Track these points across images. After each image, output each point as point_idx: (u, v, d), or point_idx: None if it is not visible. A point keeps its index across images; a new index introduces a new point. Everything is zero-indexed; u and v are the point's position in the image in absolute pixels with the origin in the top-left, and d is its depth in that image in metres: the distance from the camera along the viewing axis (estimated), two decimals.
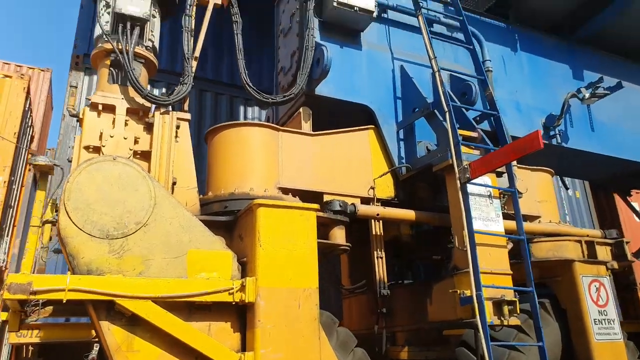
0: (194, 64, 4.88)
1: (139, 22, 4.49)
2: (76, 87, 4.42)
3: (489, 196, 4.80)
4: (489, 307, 4.33)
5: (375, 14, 5.54)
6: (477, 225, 4.59)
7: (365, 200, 5.17)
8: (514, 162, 5.88)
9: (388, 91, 5.75)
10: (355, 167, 5.25)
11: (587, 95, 6.75)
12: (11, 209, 7.62)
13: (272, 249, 3.87)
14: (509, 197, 5.83)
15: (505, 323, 4.36)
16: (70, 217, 3.57)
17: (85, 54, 7.36)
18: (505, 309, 4.32)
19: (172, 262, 3.80)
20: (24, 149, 8.02)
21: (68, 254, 3.55)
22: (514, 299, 4.35)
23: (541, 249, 5.78)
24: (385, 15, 6.10)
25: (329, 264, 6.22)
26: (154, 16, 4.77)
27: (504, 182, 5.74)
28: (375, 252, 5.08)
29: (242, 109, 7.75)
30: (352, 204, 4.82)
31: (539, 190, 6.35)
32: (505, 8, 7.48)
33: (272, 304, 3.74)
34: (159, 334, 3.54)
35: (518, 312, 4.38)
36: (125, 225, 3.72)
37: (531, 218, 6.15)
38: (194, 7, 5.03)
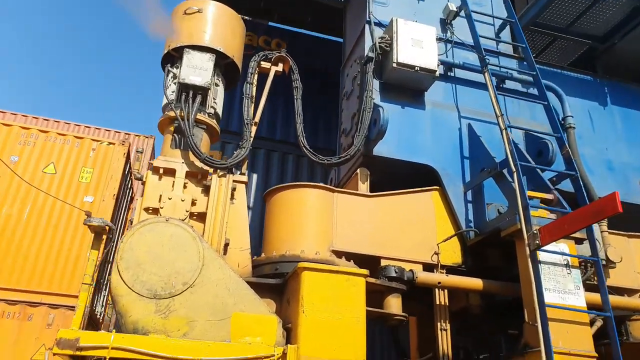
0: (254, 129, 5.05)
1: (201, 91, 4.78)
2: (142, 152, 4.74)
3: (567, 265, 4.26)
4: None
5: (438, 73, 5.42)
6: (550, 298, 4.07)
7: (429, 267, 4.84)
8: (602, 227, 5.27)
9: (454, 151, 5.49)
10: (417, 231, 4.98)
11: None
12: (109, 265, 8.20)
13: (316, 316, 3.71)
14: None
15: None
16: (121, 276, 3.71)
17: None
18: None
19: (216, 324, 3.76)
20: (123, 209, 8.72)
21: (117, 312, 3.66)
22: None
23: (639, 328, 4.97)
24: (452, 74, 5.96)
25: (394, 333, 5.84)
26: (216, 84, 5.07)
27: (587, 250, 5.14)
28: (439, 324, 4.67)
29: (307, 169, 7.84)
30: (411, 270, 4.53)
31: None
32: (592, 60, 7.02)
33: None
34: None
35: None
36: (172, 286, 3.78)
37: (630, 292, 5.35)
38: (256, 75, 5.28)
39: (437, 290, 4.81)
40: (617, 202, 3.37)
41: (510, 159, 4.58)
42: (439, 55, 5.81)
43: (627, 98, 6.59)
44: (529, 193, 4.64)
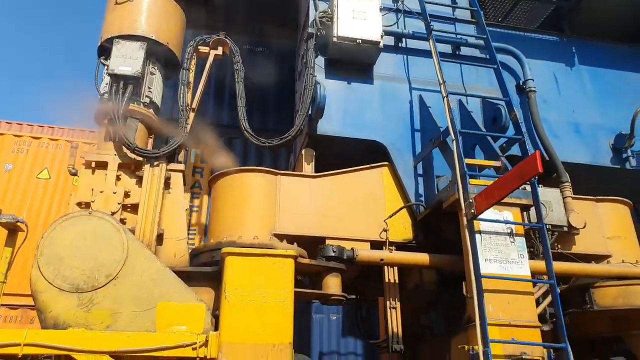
0: (191, 115, 4.95)
1: (132, 81, 4.69)
2: (76, 147, 4.69)
3: (510, 234, 4.06)
4: None
5: (382, 45, 5.21)
6: (491, 268, 3.88)
7: (377, 245, 4.69)
8: (565, 193, 5.03)
9: (405, 125, 5.29)
10: (365, 209, 4.82)
11: None
12: None
13: (239, 301, 3.62)
14: (562, 235, 4.95)
15: None
16: (41, 272, 3.67)
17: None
18: None
19: (141, 315, 3.71)
20: None
21: (37, 309, 3.63)
22: (536, 357, 3.52)
23: (606, 296, 4.72)
24: (403, 45, 5.73)
25: (357, 315, 5.72)
26: (152, 73, 4.97)
27: (555, 215, 4.92)
28: (387, 302, 4.52)
29: (254, 154, 7.66)
30: (352, 248, 4.38)
31: (610, 224, 5.28)
32: (560, 20, 6.69)
33: None
34: None
35: None
36: (95, 279, 3.74)
37: (597, 258, 5.10)
38: (193, 60, 5.16)
39: (386, 268, 4.65)
40: (537, 162, 3.17)
41: (450, 127, 4.38)
42: (387, 26, 5.61)
43: (597, 56, 6.25)
44: (471, 161, 4.45)
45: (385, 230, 4.74)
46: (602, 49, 6.32)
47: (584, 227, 4.98)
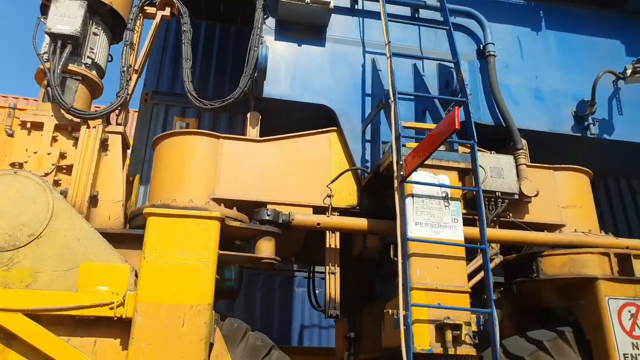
0: (134, 78, 4.84)
1: (71, 40, 4.57)
2: (14, 108, 4.61)
3: (445, 198, 3.95)
4: (426, 331, 3.49)
5: (332, 5, 5.03)
6: (422, 232, 3.80)
7: (321, 210, 4.60)
8: (519, 160, 4.91)
9: (356, 89, 5.16)
10: (311, 174, 4.72)
11: (629, 71, 5.39)
12: None
13: (158, 262, 3.56)
14: (514, 203, 4.84)
15: (451, 352, 3.46)
16: None
17: (154, 91, 7.37)
18: (449, 334, 3.43)
19: (62, 274, 3.66)
20: None
21: None
22: (459, 322, 3.44)
23: (553, 265, 4.63)
24: (359, 7, 5.55)
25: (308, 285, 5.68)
26: (95, 34, 4.85)
27: (506, 183, 4.80)
28: (327, 267, 4.46)
29: (209, 120, 7.53)
30: (289, 212, 4.30)
31: (566, 194, 5.15)
32: None
33: (149, 320, 3.41)
34: (33, 349, 3.40)
35: (465, 338, 3.45)
36: (17, 238, 3.69)
37: (551, 227, 4.99)
38: (138, 21, 5.03)
39: (327, 233, 4.58)
40: (455, 119, 3.04)
41: (390, 89, 4.24)
42: None
43: (564, 21, 6.03)
44: (410, 124, 4.33)
45: (330, 196, 4.65)
46: (569, 13, 6.08)
47: (537, 195, 4.86)
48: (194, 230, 3.67)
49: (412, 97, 4.87)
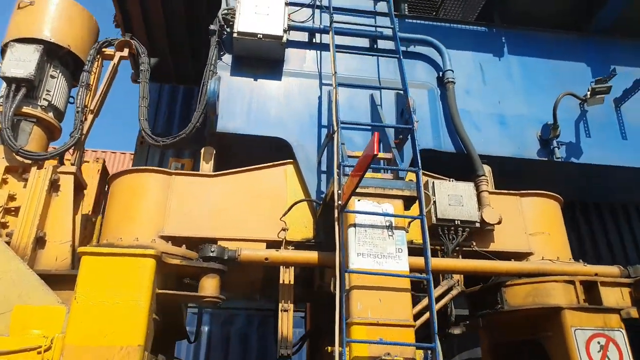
0: (90, 118, 4.88)
1: (25, 83, 4.65)
2: None
3: (389, 227, 3.82)
4: None
5: (285, 39, 5.07)
6: (364, 263, 3.65)
7: (276, 244, 4.49)
8: (481, 187, 4.79)
9: (312, 121, 5.12)
10: (266, 208, 4.64)
11: (589, 93, 5.29)
12: None
13: (88, 302, 3.47)
14: (478, 232, 4.69)
15: None
16: None
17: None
18: None
19: None
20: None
21: None
22: (399, 358, 3.26)
23: (516, 295, 4.42)
24: (316, 40, 5.59)
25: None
26: (53, 77, 4.93)
27: (465, 211, 4.67)
28: (280, 304, 4.31)
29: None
30: (238, 248, 4.20)
31: (534, 220, 4.98)
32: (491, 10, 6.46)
33: None
34: None
35: None
36: None
37: (518, 256, 4.80)
38: (96, 62, 5.11)
39: (282, 268, 4.45)
40: (373, 145, 2.96)
41: (334, 118, 4.20)
42: (300, 21, 5.49)
43: (526, 45, 5.99)
44: (355, 153, 4.26)
45: (284, 230, 4.54)
46: (532, 37, 6.05)
47: (499, 222, 4.70)
48: (127, 268, 3.58)
49: (366, 127, 4.81)
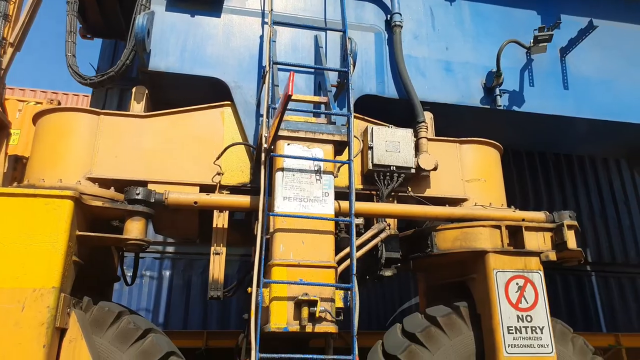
0: (10, 51, 4.58)
1: None
2: None
3: (317, 172, 3.80)
4: (284, 309, 3.36)
5: None
6: (290, 206, 3.65)
7: (210, 189, 4.43)
8: (420, 134, 4.78)
9: (252, 61, 4.94)
10: (201, 152, 4.53)
11: (532, 41, 5.25)
12: None
13: (1, 245, 3.36)
14: (414, 177, 4.71)
15: (309, 330, 3.34)
16: None
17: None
18: (304, 311, 3.31)
19: None
20: None
21: None
22: (314, 298, 3.32)
23: (446, 239, 4.53)
24: None
25: None
26: None
27: (401, 157, 4.67)
28: (213, 247, 4.31)
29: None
30: (165, 191, 4.12)
31: (471, 167, 5.04)
32: None
33: None
34: None
35: (324, 315, 3.34)
36: None
37: (452, 201, 4.89)
38: None
39: (216, 212, 4.41)
40: (289, 85, 2.87)
41: (266, 58, 4.05)
42: None
43: None
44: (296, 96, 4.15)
45: (219, 174, 4.47)
46: None
47: (435, 169, 4.74)
48: (42, 210, 3.47)
49: (302, 68, 4.68)
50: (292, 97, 3.81)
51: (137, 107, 4.63)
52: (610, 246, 9.42)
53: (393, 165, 4.60)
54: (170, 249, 8.36)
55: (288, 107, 3.82)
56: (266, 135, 3.62)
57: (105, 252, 4.41)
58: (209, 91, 4.90)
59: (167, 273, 8.32)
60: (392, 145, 4.67)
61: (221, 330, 7.26)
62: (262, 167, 3.67)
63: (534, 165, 8.60)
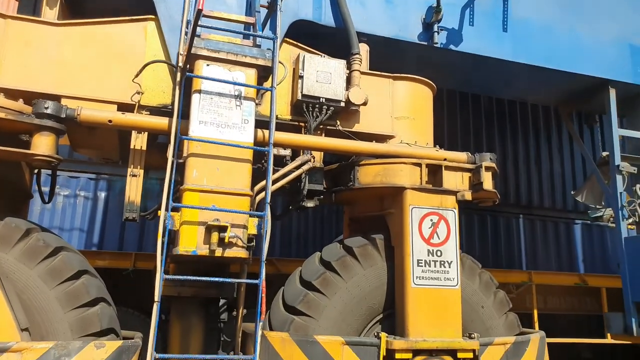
0: None
1: None
2: None
3: (237, 97, 3.69)
4: (194, 234, 3.37)
5: None
6: (205, 131, 3.56)
7: (128, 108, 4.23)
8: (353, 66, 4.68)
9: None
10: (120, 68, 4.28)
11: None
12: None
13: None
14: (344, 111, 4.67)
15: (218, 254, 3.38)
16: None
17: None
18: (214, 236, 3.33)
19: None
20: None
21: None
22: (224, 224, 3.33)
23: (367, 174, 4.59)
24: None
25: None
26: None
27: (332, 89, 4.59)
28: (129, 169, 4.19)
29: None
30: (78, 107, 3.91)
31: (402, 104, 5.03)
32: None
33: None
34: None
35: (233, 240, 3.37)
36: None
37: (380, 138, 4.91)
38: None
39: (134, 133, 4.26)
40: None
41: None
42: None
43: None
44: (215, 13, 3.94)
45: (139, 93, 4.27)
46: None
47: (365, 103, 4.71)
48: None
49: None
50: (215, 15, 3.63)
51: (49, 13, 4.29)
52: (540, 191, 9.91)
53: (323, 97, 4.53)
54: (105, 170, 8.16)
55: (214, 26, 3.64)
56: (182, 53, 3.44)
57: (15, 168, 4.21)
58: (132, 2, 4.58)
59: (102, 194, 8.17)
60: (323, 75, 4.57)
61: (151, 253, 7.28)
62: (177, 87, 3.52)
63: (466, 107, 8.75)
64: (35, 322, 3.47)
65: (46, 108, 3.73)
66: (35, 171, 4.60)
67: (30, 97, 3.99)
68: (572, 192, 8.04)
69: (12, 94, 3.97)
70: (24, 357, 3.13)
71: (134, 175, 4.19)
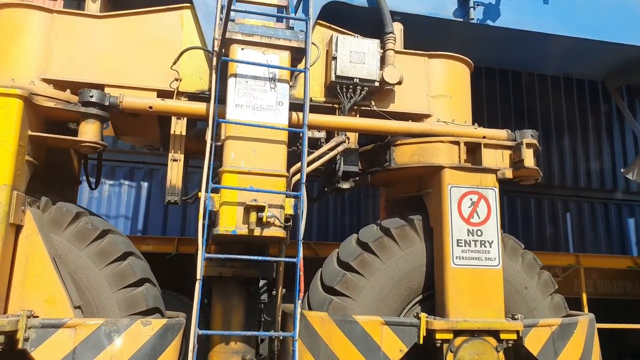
0: None
1: None
2: None
3: (271, 79, 3.72)
4: (234, 214, 3.44)
5: None
6: (242, 114, 3.62)
7: (167, 94, 4.35)
8: (387, 45, 4.64)
9: None
10: (158, 56, 4.38)
11: None
12: None
13: None
14: (378, 91, 4.64)
15: (257, 234, 3.45)
16: None
17: None
18: (253, 216, 3.39)
19: None
20: None
21: None
22: (262, 204, 3.39)
23: (404, 153, 4.55)
24: None
25: None
26: None
27: (365, 69, 4.57)
28: (170, 154, 4.31)
29: None
30: (120, 94, 4.05)
31: (438, 82, 4.94)
32: None
33: None
34: None
35: (272, 220, 3.43)
36: None
37: (416, 117, 4.85)
38: None
39: (174, 119, 4.38)
40: None
41: None
42: None
43: None
44: None
45: (177, 80, 4.38)
46: None
47: (400, 82, 4.65)
48: None
49: None
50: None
51: (92, 6, 4.44)
52: (588, 171, 9.55)
53: (356, 78, 4.51)
54: (149, 159, 8.44)
55: (248, 10, 3.68)
56: (217, 37, 3.50)
57: (64, 154, 4.41)
58: None
59: (145, 183, 8.47)
60: (356, 56, 4.54)
61: (192, 238, 7.50)
62: (213, 71, 3.59)
63: (506, 84, 8.50)
64: (86, 300, 3.66)
65: (91, 97, 3.88)
66: (82, 161, 4.81)
67: (76, 87, 4.16)
68: (622, 170, 7.69)
69: (60, 84, 4.15)
70: (78, 333, 3.31)
71: (175, 160, 4.31)
